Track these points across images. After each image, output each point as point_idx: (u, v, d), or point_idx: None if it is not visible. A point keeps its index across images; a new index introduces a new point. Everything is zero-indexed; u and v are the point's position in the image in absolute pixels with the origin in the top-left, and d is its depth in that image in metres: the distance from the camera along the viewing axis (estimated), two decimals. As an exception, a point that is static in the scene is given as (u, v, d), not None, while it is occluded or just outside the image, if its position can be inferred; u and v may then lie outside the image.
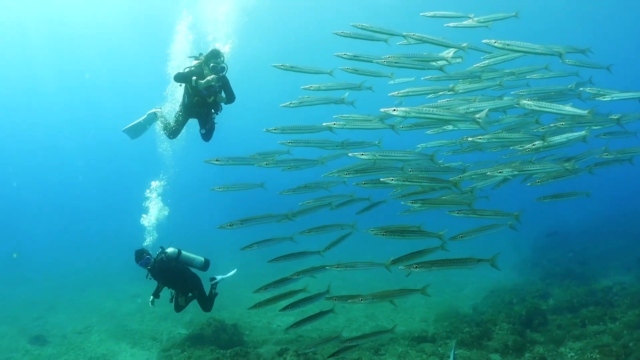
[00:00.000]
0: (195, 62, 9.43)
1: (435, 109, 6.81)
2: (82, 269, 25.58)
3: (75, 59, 43.21)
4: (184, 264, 9.52)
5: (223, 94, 9.59)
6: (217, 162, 7.76)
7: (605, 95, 8.27)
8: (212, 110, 9.68)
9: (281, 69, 8.37)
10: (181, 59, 10.54)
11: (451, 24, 8.31)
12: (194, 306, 9.82)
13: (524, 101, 7.19)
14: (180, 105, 9.90)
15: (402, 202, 7.64)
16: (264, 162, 7.93)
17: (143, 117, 10.83)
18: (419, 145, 9.71)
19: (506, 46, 7.06)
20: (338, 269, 7.18)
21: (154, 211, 11.59)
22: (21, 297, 20.33)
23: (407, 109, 6.67)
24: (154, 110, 10.79)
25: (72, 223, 44.45)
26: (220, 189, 8.05)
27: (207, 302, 9.75)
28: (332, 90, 8.36)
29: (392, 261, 6.64)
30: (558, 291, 15.34)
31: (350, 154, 7.35)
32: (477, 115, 7.07)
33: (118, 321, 16.29)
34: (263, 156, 8.11)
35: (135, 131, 11.06)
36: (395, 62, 7.42)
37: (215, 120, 9.96)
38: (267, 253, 7.73)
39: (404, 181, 7.15)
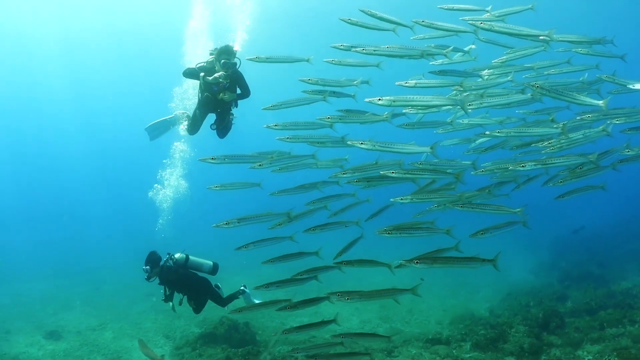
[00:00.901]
0: (209, 58, 9.39)
1: (419, 96, 6.82)
2: (98, 268, 25.75)
3: (86, 60, 43.30)
4: (192, 269, 9.45)
5: (238, 90, 9.52)
6: (212, 161, 7.58)
7: (631, 84, 8.11)
8: (231, 106, 9.62)
9: (256, 61, 8.16)
10: (194, 57, 10.50)
11: (467, 18, 8.19)
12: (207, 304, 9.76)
13: (535, 87, 7.04)
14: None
15: (391, 200, 7.47)
16: (258, 164, 7.69)
17: (169, 117, 10.81)
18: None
19: (492, 27, 7.00)
20: (345, 266, 7.04)
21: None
22: (38, 294, 20.54)
23: (392, 97, 6.65)
24: (181, 111, 10.75)
25: (89, 222, 44.79)
26: (217, 188, 7.88)
27: (222, 300, 9.72)
28: (331, 87, 8.21)
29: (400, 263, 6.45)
30: (576, 293, 15.07)
31: (349, 142, 7.18)
32: (460, 100, 7.23)
33: (132, 319, 16.35)
34: (262, 155, 7.90)
35: (156, 130, 11.01)
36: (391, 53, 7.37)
37: (233, 119, 9.90)
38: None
39: (404, 174, 7.02)
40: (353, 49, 7.44)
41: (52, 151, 58.21)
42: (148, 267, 9.01)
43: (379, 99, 6.63)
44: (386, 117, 7.42)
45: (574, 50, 8.63)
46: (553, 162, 7.46)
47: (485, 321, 13.01)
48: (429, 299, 16.92)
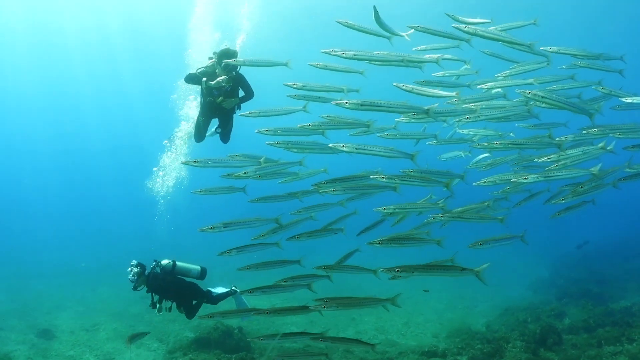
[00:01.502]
0: (209, 62, 9.33)
1: (386, 101, 6.79)
2: (95, 269, 25.59)
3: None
4: (180, 275, 9.35)
5: (242, 93, 9.47)
6: (195, 164, 7.45)
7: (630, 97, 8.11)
8: (234, 110, 9.56)
9: (235, 64, 8.07)
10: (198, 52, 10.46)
11: (470, 29, 8.16)
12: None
13: (525, 92, 7.00)
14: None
15: (374, 209, 7.44)
16: (243, 172, 7.49)
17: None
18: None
19: (476, 31, 6.99)
20: (326, 270, 6.91)
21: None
22: (33, 292, 20.42)
23: (358, 101, 6.67)
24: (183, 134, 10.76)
25: (88, 223, 44.66)
26: (202, 192, 7.75)
27: (214, 300, 9.66)
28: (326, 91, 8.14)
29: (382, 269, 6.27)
30: (574, 311, 14.96)
31: (330, 145, 7.07)
32: (427, 108, 7.13)
33: (126, 321, 16.23)
34: (247, 158, 7.82)
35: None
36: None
37: (233, 120, 9.84)
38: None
39: (395, 179, 6.95)
40: (333, 53, 7.28)
41: (43, 149, 58.07)
42: (134, 276, 8.99)
43: (346, 102, 6.67)
44: (369, 123, 7.42)
45: (573, 63, 8.62)
46: (555, 175, 7.40)
47: (482, 336, 12.92)
48: (426, 311, 16.84)
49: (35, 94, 48.91)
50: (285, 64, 8.37)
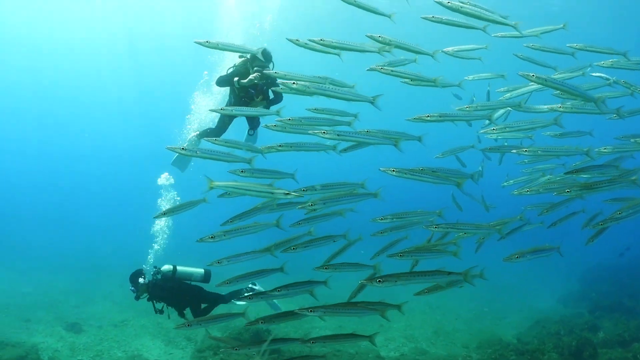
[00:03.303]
0: (239, 61, 9.21)
1: (332, 86, 6.80)
2: (124, 265, 25.67)
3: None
4: (182, 279, 9.27)
5: (271, 95, 9.36)
6: (182, 152, 6.58)
7: None
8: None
9: (205, 46, 7.21)
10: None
11: (499, 34, 8.00)
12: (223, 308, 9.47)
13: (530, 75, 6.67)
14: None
15: (370, 220, 7.03)
16: (240, 170, 6.56)
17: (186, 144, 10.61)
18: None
19: (460, 8, 6.51)
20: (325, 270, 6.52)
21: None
22: (61, 285, 20.65)
23: (307, 83, 6.59)
24: (194, 134, 10.54)
25: (118, 218, 44.91)
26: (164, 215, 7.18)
27: (223, 299, 9.54)
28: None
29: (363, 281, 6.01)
30: (608, 324, 14.80)
31: (310, 132, 6.65)
32: (372, 98, 6.98)
33: (154, 317, 16.13)
34: (244, 147, 7.12)
35: (182, 161, 10.88)
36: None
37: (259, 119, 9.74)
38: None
39: (405, 174, 6.61)
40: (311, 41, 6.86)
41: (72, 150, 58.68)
42: (134, 286, 9.09)
43: (294, 83, 6.57)
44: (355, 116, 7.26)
45: (596, 64, 8.36)
46: (599, 187, 7.14)
47: (515, 347, 12.67)
48: (454, 322, 16.61)
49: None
50: (256, 53, 8.10)
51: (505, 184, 9.52)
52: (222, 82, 9.17)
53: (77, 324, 15.27)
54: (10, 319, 15.56)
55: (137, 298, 9.15)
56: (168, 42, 37.44)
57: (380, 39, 6.94)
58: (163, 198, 11.44)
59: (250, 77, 8.78)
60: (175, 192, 11.38)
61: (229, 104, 9.56)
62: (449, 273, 5.87)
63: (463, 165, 10.27)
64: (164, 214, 7.12)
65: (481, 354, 12.58)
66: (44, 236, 33.69)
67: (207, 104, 11.92)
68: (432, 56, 7.37)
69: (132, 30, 36.34)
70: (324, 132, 6.53)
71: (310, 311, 5.90)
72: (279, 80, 6.94)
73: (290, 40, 6.79)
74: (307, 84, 6.59)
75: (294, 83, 6.56)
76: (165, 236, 11.45)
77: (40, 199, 49.29)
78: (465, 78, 8.71)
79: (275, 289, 6.45)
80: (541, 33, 8.12)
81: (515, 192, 8.08)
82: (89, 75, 46.70)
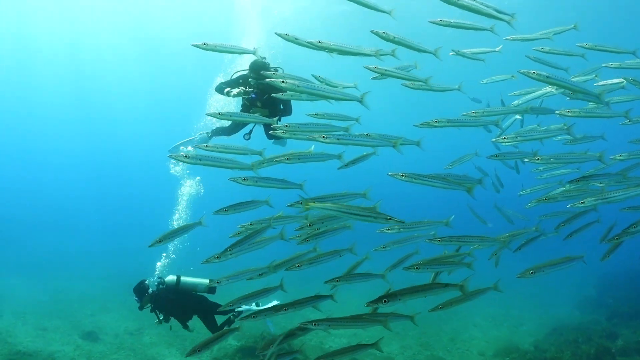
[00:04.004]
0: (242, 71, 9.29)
1: (323, 86, 6.78)
2: (139, 273, 25.78)
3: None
4: (186, 290, 9.23)
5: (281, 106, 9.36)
6: (185, 160, 6.22)
7: None
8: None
9: (203, 48, 7.04)
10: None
11: (510, 37, 7.95)
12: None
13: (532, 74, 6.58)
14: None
15: (376, 230, 6.88)
16: (242, 178, 6.32)
17: (194, 137, 10.62)
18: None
19: (456, 1, 6.30)
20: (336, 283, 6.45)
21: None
22: (77, 294, 20.73)
23: (296, 82, 6.51)
24: (203, 132, 10.54)
25: (131, 227, 45.17)
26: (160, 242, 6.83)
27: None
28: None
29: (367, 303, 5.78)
30: (626, 332, 14.64)
31: (309, 137, 6.49)
32: (361, 96, 6.91)
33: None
34: (247, 152, 6.80)
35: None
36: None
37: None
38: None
39: (415, 179, 6.46)
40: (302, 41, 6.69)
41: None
42: (137, 297, 9.11)
43: (282, 81, 6.50)
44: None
45: (604, 65, 8.27)
46: (613, 197, 7.03)
47: (532, 355, 12.58)
48: (470, 329, 16.49)
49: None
50: (253, 53, 7.82)
51: (522, 192, 9.46)
52: (217, 89, 9.27)
53: (93, 332, 15.35)
54: (27, 327, 15.67)
55: (141, 308, 9.19)
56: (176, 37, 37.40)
57: (384, 35, 6.85)
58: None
59: (233, 91, 8.83)
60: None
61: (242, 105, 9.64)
62: (446, 285, 5.81)
63: (484, 174, 10.22)
64: (160, 241, 6.82)
65: (499, 362, 12.50)
66: (59, 244, 33.94)
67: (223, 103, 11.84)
68: (434, 54, 7.30)
69: (145, 29, 36.39)
70: (323, 137, 6.40)
71: (315, 324, 5.87)
72: (267, 80, 6.80)
73: (279, 35, 6.65)
74: (296, 82, 6.53)
75: (283, 82, 6.50)
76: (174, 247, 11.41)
77: (57, 207, 49.69)
78: (481, 82, 8.69)
79: (282, 306, 6.28)
80: (553, 34, 8.07)
81: (529, 205, 8.02)
82: (115, 74, 46.46)
